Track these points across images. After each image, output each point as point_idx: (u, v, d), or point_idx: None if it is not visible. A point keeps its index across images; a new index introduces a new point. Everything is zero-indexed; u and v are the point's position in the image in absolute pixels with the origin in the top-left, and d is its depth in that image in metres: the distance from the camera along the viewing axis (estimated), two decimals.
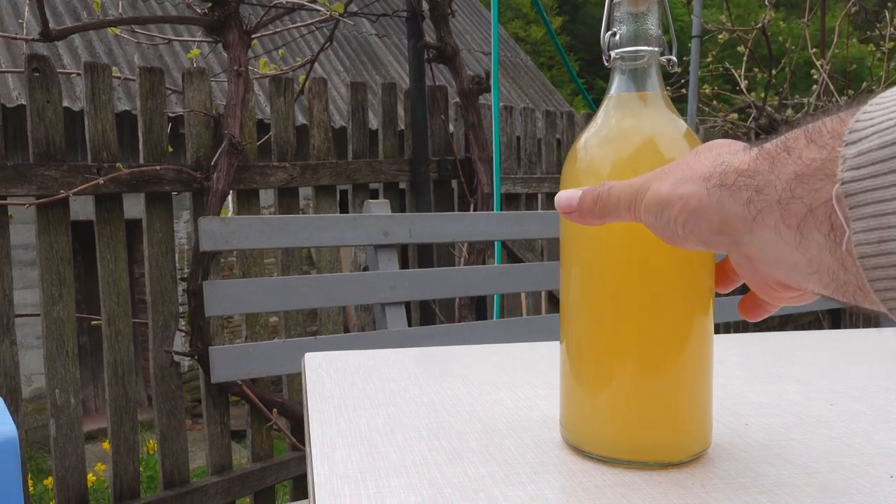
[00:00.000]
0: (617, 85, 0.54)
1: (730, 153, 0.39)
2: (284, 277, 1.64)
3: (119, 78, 2.14)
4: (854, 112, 0.32)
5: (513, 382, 0.75)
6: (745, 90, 3.83)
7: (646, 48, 0.53)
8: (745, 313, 0.50)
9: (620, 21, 0.53)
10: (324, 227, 1.64)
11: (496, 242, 2.13)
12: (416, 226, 1.72)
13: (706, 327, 0.53)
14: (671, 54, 0.55)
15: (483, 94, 2.40)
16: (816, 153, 0.32)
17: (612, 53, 0.54)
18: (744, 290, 0.49)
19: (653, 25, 0.54)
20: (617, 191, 0.45)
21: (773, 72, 3.88)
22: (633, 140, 0.52)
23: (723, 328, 3.55)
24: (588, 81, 11.39)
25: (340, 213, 2.04)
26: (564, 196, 0.48)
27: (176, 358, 2.07)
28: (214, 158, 2.05)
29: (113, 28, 2.23)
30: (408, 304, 2.16)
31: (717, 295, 0.54)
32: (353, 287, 1.66)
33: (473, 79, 2.31)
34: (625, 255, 0.51)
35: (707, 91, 3.71)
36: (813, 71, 4.15)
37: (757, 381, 0.77)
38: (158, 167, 2.00)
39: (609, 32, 0.54)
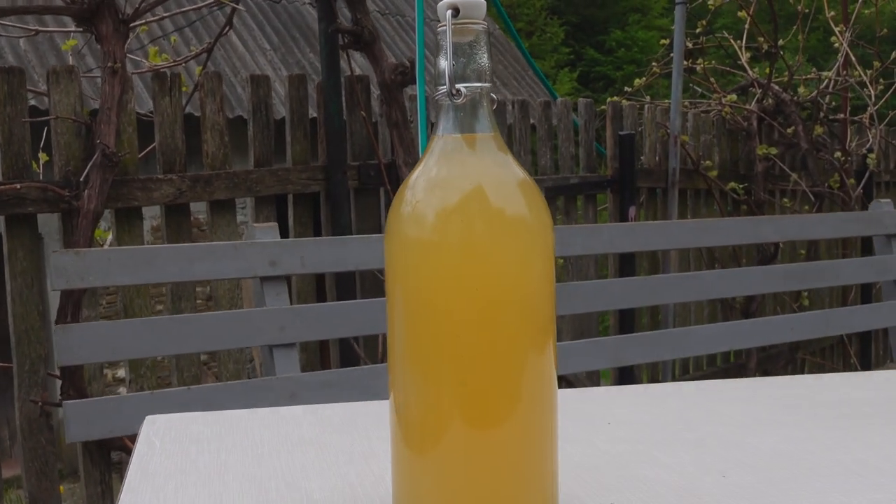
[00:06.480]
0: (443, 125, 0.57)
1: None
2: (150, 319, 1.67)
3: None
4: None
5: (372, 451, 0.78)
6: (746, 65, 3.86)
7: (473, 85, 0.56)
8: None
9: (445, 53, 0.56)
10: (197, 258, 1.67)
11: None
12: (310, 253, 1.75)
13: (547, 376, 0.57)
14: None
15: (410, 86, 2.43)
16: None
17: (442, 89, 0.56)
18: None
19: (481, 58, 0.57)
20: None
21: (781, 42, 3.90)
22: (460, 188, 0.56)
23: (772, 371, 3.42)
24: (576, 51, 11.32)
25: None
26: None
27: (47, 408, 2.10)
28: (84, 173, 2.08)
29: None
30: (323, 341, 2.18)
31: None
32: (235, 327, 1.70)
33: (396, 68, 2.34)
34: (456, 283, 0.55)
35: (699, 69, 3.73)
36: (833, 38, 4.14)
37: (654, 447, 0.79)
38: (18, 185, 2.03)
39: (449, 62, 0.56)
